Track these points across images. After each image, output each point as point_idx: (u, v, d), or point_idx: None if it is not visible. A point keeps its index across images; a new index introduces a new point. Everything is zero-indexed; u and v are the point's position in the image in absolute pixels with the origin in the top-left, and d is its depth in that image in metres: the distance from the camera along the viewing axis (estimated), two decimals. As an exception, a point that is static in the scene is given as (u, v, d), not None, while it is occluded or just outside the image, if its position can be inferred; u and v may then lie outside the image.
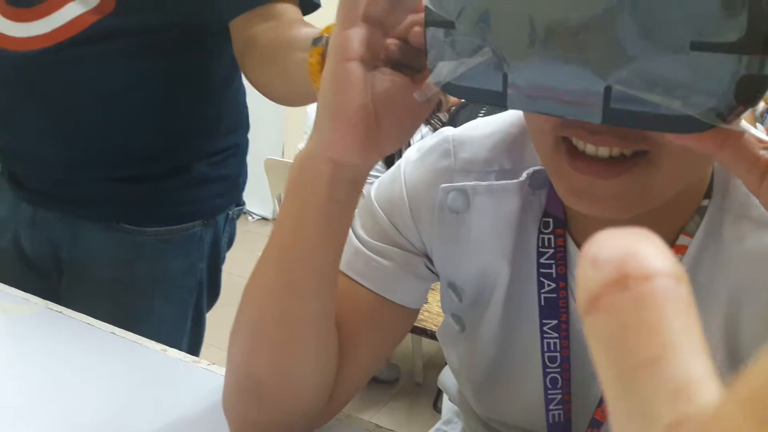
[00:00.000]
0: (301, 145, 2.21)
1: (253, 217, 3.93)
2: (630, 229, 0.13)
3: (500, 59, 0.35)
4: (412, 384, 2.17)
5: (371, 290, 0.55)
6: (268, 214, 3.85)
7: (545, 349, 0.54)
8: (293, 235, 0.46)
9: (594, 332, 0.12)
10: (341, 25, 0.40)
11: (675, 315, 0.12)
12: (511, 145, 0.54)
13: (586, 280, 0.12)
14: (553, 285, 0.53)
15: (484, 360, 0.58)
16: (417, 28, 0.41)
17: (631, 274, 0.12)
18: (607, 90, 0.32)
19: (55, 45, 0.77)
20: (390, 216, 0.56)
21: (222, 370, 0.66)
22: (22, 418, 0.57)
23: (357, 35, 0.40)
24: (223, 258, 0.98)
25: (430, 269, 0.58)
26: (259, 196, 3.36)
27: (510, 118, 0.56)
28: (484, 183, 0.53)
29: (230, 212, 0.96)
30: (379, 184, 0.58)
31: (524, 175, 0.52)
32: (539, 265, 0.53)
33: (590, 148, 0.39)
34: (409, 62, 0.43)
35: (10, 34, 0.79)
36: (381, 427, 0.59)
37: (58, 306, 0.76)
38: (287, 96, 0.75)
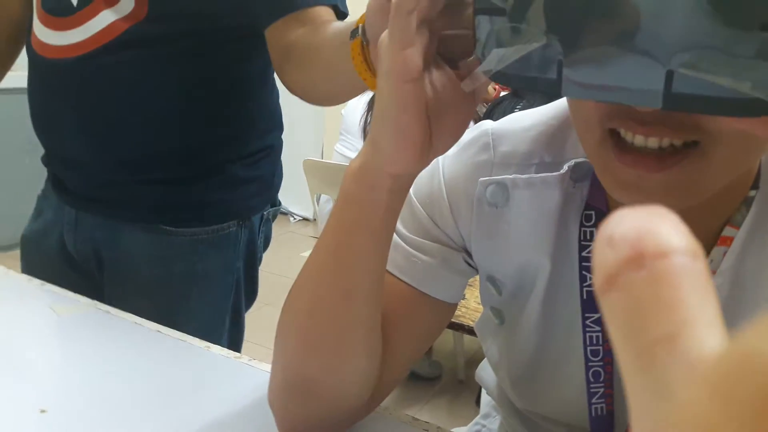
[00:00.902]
0: (338, 147, 2.20)
1: (295, 218, 3.98)
2: (645, 207, 0.13)
3: (555, 46, 0.34)
4: (455, 381, 2.16)
5: (410, 285, 0.56)
6: (309, 215, 3.90)
7: (588, 343, 0.53)
8: (348, 242, 0.47)
9: (611, 311, 0.12)
10: (398, 46, 0.39)
11: (691, 291, 0.12)
12: (552, 138, 0.53)
13: (602, 260, 0.12)
14: None
15: (524, 353, 0.58)
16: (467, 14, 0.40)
17: (647, 251, 0.12)
18: (669, 74, 0.31)
19: (91, 52, 0.80)
20: (429, 211, 0.56)
21: (263, 366, 0.68)
22: (73, 416, 0.59)
23: (415, 54, 0.40)
24: (260, 258, 0.99)
25: (468, 263, 0.58)
26: (299, 197, 3.40)
27: (550, 110, 0.55)
28: (523, 176, 0.53)
29: (265, 212, 0.97)
30: (417, 180, 0.58)
31: (565, 167, 0.51)
32: (581, 259, 0.52)
33: (639, 140, 0.38)
34: (451, 56, 0.43)
35: (50, 42, 0.82)
36: (417, 419, 0.60)
37: (106, 306, 0.79)
38: (330, 94, 0.76)
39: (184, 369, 0.67)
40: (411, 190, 0.58)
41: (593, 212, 0.51)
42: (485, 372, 0.72)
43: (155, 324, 0.75)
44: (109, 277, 0.93)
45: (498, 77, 0.38)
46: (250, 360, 0.69)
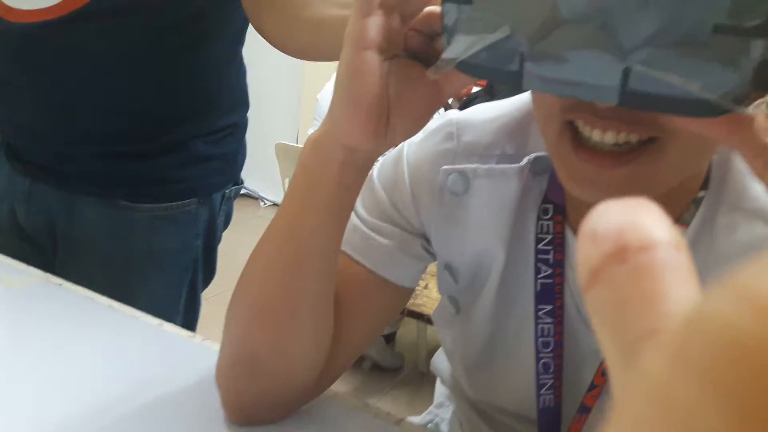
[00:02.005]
0: (311, 132, 2.23)
1: (265, 203, 3.95)
2: (628, 200, 0.13)
3: (518, 38, 0.35)
4: (416, 372, 2.17)
5: (367, 267, 0.56)
6: (279, 200, 3.87)
7: (539, 334, 0.54)
8: (300, 215, 0.48)
9: (595, 306, 0.12)
10: (358, 13, 0.40)
11: (675, 285, 0.12)
12: (515, 130, 0.54)
13: (586, 255, 0.12)
14: (550, 270, 0.53)
15: (477, 341, 0.58)
16: (433, 10, 0.41)
17: (630, 245, 0.12)
18: (626, 71, 0.32)
19: (59, 18, 0.77)
20: (391, 196, 0.57)
21: (216, 346, 0.67)
22: (20, 389, 0.57)
23: (374, 23, 0.40)
24: (219, 237, 0.98)
25: (426, 249, 0.58)
26: (271, 181, 3.38)
27: (514, 103, 0.56)
28: (484, 166, 0.53)
29: (227, 191, 0.96)
30: (381, 164, 0.59)
31: (525, 160, 0.52)
32: (537, 251, 0.53)
33: (596, 135, 0.39)
34: (425, 53, 0.43)
35: (10, 5, 0.80)
36: (368, 405, 0.59)
37: (59, 279, 0.77)
38: (307, 49, 0.75)
39: (135, 345, 0.66)
40: (374, 174, 0.59)
41: (551, 206, 0.52)
42: (440, 361, 0.72)
43: (108, 299, 0.74)
44: (63, 251, 0.91)
45: (462, 66, 0.39)
46: (203, 340, 0.68)
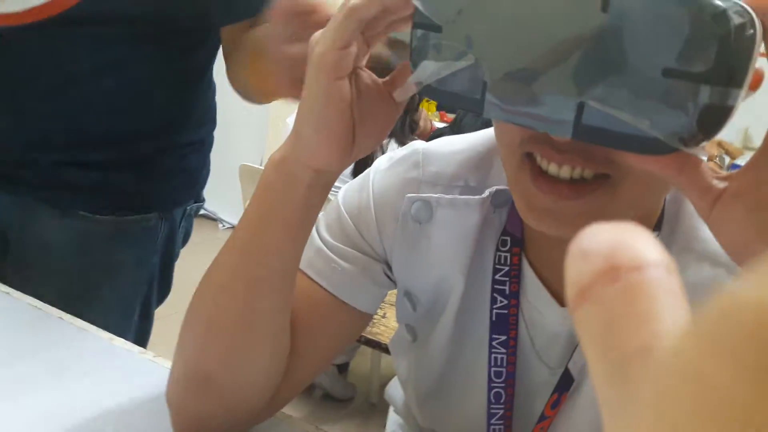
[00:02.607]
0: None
1: (224, 225, 3.90)
2: (618, 223, 0.13)
3: (481, 68, 0.37)
4: (367, 404, 2.15)
5: (328, 291, 0.56)
6: (239, 223, 3.82)
7: (492, 364, 0.55)
8: (261, 234, 0.48)
9: (584, 324, 0.12)
10: (336, 44, 0.40)
11: (665, 304, 0.12)
12: (478, 163, 0.56)
13: (576, 273, 0.12)
14: (506, 301, 0.54)
15: (432, 370, 0.59)
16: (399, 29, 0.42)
17: (622, 264, 0.12)
18: (580, 106, 0.34)
19: (30, 24, 0.76)
20: (356, 221, 0.57)
21: (168, 363, 0.65)
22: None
23: (351, 54, 0.41)
24: (177, 254, 0.97)
25: (388, 276, 0.59)
26: (232, 204, 3.34)
27: (479, 137, 0.57)
28: (447, 196, 0.55)
29: (188, 208, 0.95)
30: (346, 190, 0.60)
31: (487, 192, 0.54)
32: (494, 282, 0.54)
33: (553, 168, 0.41)
34: (379, 64, 0.45)
35: None
36: (321, 428, 0.59)
37: (6, 287, 0.75)
38: (260, 89, 0.76)
39: (84, 359, 0.64)
40: (340, 200, 0.59)
41: (509, 238, 0.54)
42: (395, 390, 0.72)
43: (58, 311, 0.72)
44: (13, 260, 0.88)
45: (427, 91, 0.40)
46: (155, 357, 0.67)
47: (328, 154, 0.44)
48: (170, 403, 0.53)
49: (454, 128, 2.09)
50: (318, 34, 0.42)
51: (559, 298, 0.53)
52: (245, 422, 0.54)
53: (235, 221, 4.07)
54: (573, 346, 0.53)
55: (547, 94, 0.35)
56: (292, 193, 0.46)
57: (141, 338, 0.94)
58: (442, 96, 0.39)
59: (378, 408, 2.13)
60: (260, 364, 0.51)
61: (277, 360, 0.52)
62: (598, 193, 0.41)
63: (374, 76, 0.45)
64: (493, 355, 0.55)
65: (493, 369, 0.55)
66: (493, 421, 0.56)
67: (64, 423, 0.54)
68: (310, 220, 0.48)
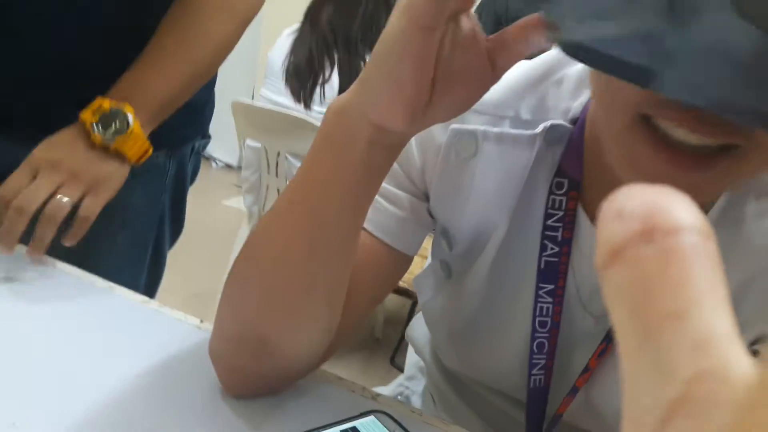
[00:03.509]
0: (263, 91, 2.09)
1: (218, 164, 3.83)
2: (656, 186, 0.12)
3: (660, 29, 0.28)
4: (372, 338, 2.16)
5: (375, 235, 0.52)
6: (233, 161, 3.75)
7: (537, 313, 0.52)
8: (322, 195, 0.42)
9: (615, 285, 0.12)
10: None
11: (701, 271, 0.11)
12: (528, 90, 0.50)
13: (610, 232, 0.12)
14: (557, 249, 0.50)
15: (467, 311, 0.55)
16: None
17: (658, 227, 0.12)
18: None
19: None
20: (399, 156, 0.52)
21: (173, 313, 0.62)
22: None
23: (448, 1, 0.34)
24: (186, 192, 0.93)
25: (431, 214, 0.55)
26: (225, 142, 3.26)
27: (532, 62, 0.51)
28: (495, 129, 0.49)
29: (196, 144, 0.90)
30: None
31: (540, 127, 0.48)
32: (545, 227, 0.50)
33: (680, 134, 0.35)
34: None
35: None
36: (342, 379, 0.56)
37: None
38: None
39: (83, 309, 0.61)
40: None
41: (566, 180, 0.49)
42: (417, 331, 0.69)
43: (52, 259, 0.67)
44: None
45: (573, 49, 0.31)
46: (160, 306, 0.63)
47: (394, 111, 0.37)
48: (218, 359, 0.50)
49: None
50: None
51: None
52: (295, 377, 0.52)
53: (229, 160, 4.02)
54: None
55: (734, 80, 0.27)
56: (351, 150, 0.40)
57: (154, 280, 0.92)
58: (598, 59, 0.30)
59: (383, 343, 2.14)
60: (319, 327, 0.48)
61: (335, 319, 0.49)
62: (722, 164, 0.36)
63: (478, 29, 0.37)
64: (539, 305, 0.51)
65: (538, 319, 0.52)
66: (534, 371, 0.53)
67: (61, 380, 0.50)
68: (374, 183, 0.43)
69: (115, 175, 0.69)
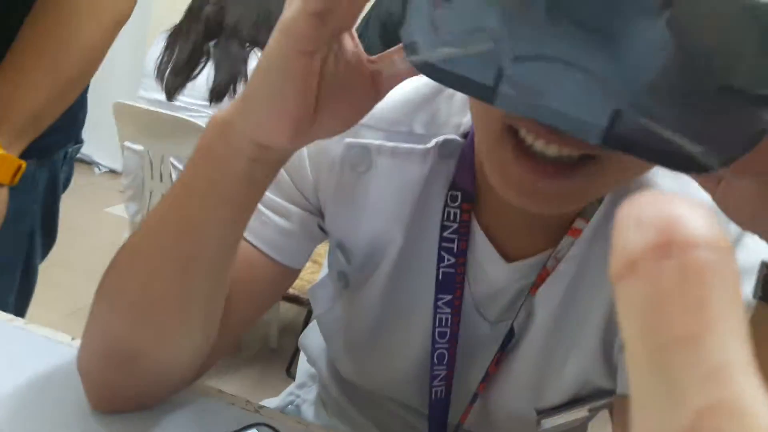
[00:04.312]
0: (141, 91, 2.01)
1: (100, 169, 3.62)
2: (674, 194, 0.12)
3: (499, 49, 0.30)
4: (267, 349, 2.12)
5: (257, 247, 0.51)
6: (117, 166, 3.56)
7: (437, 324, 0.52)
8: (199, 208, 0.41)
9: (628, 299, 0.12)
10: (309, 6, 0.33)
11: (719, 291, 0.11)
12: (421, 106, 0.51)
13: (626, 242, 0.12)
14: (453, 260, 0.51)
15: (365, 322, 0.56)
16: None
17: (677, 239, 0.11)
18: (617, 113, 0.29)
19: None
20: (288, 170, 0.51)
21: (42, 330, 0.58)
22: None
23: (327, 24, 0.33)
24: (59, 201, 0.88)
25: (322, 229, 0.54)
26: (108, 145, 3.09)
27: (422, 78, 0.51)
28: (389, 144, 0.50)
29: (69, 150, 0.85)
30: None
31: (433, 141, 0.49)
32: (441, 239, 0.50)
33: (539, 145, 0.36)
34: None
35: None
36: (223, 392, 0.55)
37: None
38: None
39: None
40: None
41: (459, 193, 0.50)
42: (310, 340, 0.69)
43: None
44: None
45: (425, 69, 0.33)
46: (27, 324, 0.59)
47: (277, 130, 0.37)
48: (85, 374, 0.48)
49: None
50: None
51: (505, 254, 0.50)
52: (168, 392, 0.50)
53: (112, 164, 3.80)
54: (518, 302, 0.52)
55: (576, 91, 0.29)
56: (231, 164, 0.39)
57: (24, 297, 0.86)
58: (445, 77, 0.32)
59: (279, 353, 2.11)
60: (193, 342, 0.46)
61: (210, 333, 0.47)
62: (582, 173, 0.37)
63: (359, 48, 0.38)
64: (438, 316, 0.52)
65: (437, 330, 0.52)
66: (435, 383, 0.54)
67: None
68: (252, 198, 0.42)
69: None
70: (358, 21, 0.38)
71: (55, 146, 0.82)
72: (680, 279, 0.11)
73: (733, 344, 0.11)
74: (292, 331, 2.13)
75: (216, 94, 1.70)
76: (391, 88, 0.40)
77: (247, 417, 0.52)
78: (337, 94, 0.37)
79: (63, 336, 0.57)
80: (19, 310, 0.85)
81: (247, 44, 1.74)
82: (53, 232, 0.88)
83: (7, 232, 0.78)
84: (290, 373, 1.98)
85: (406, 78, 0.39)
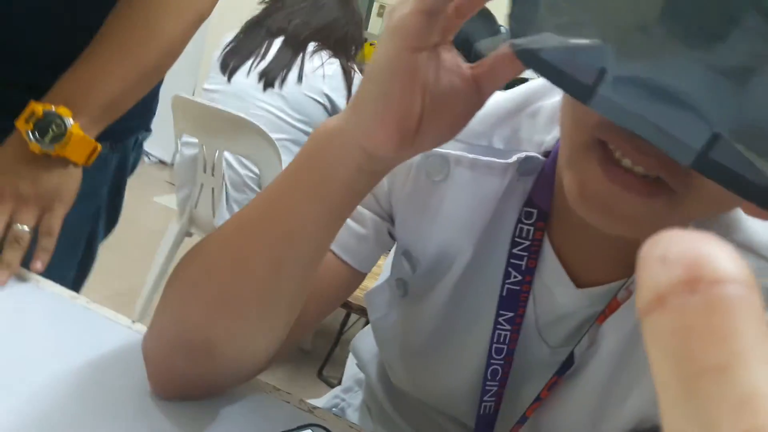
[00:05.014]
0: (208, 85, 2.04)
1: (150, 159, 3.70)
2: (698, 232, 0.12)
3: (604, 50, 0.29)
4: (298, 350, 2.12)
5: (331, 249, 0.51)
6: (167, 158, 3.64)
7: (495, 340, 0.51)
8: (298, 213, 0.42)
9: (656, 332, 0.12)
10: (420, 4, 0.34)
11: (746, 324, 0.11)
12: (503, 120, 0.50)
13: (653, 277, 0.12)
14: (520, 277, 0.50)
15: (423, 331, 0.55)
16: None
17: (703, 276, 0.12)
18: (714, 137, 0.28)
19: None
20: None
21: (103, 311, 0.58)
22: None
23: (437, 22, 0.34)
24: (125, 184, 0.89)
25: (391, 235, 0.54)
26: (161, 137, 3.15)
27: (507, 93, 0.52)
28: (469, 155, 0.49)
29: (139, 136, 0.88)
30: None
31: (515, 157, 0.48)
32: (511, 255, 0.50)
33: (627, 162, 0.36)
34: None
35: None
36: (279, 389, 0.54)
37: None
38: None
39: (8, 304, 0.56)
40: None
41: (535, 210, 0.49)
42: (363, 344, 0.68)
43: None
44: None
45: (525, 57, 0.33)
46: (89, 303, 0.60)
47: (385, 137, 0.37)
48: (151, 360, 0.48)
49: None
50: None
51: (576, 279, 0.49)
52: (234, 384, 0.51)
53: (163, 156, 3.89)
54: (582, 329, 0.51)
55: (677, 109, 0.28)
56: (335, 173, 0.40)
57: (83, 274, 0.87)
58: (543, 68, 0.32)
59: (310, 356, 2.11)
60: (272, 337, 0.47)
61: (288, 331, 0.48)
62: (666, 197, 0.36)
63: (459, 58, 0.38)
64: (497, 332, 0.51)
65: (495, 345, 0.52)
66: (486, 398, 0.53)
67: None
68: (351, 207, 0.42)
69: (66, 182, 0.66)
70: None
71: (128, 132, 0.84)
72: (708, 312, 0.11)
73: (763, 373, 0.11)
74: (327, 335, 2.13)
75: (267, 80, 1.73)
76: (492, 93, 0.39)
77: (300, 416, 0.51)
78: (440, 104, 0.38)
79: (123, 318, 0.58)
80: (77, 285, 0.87)
81: (305, 43, 1.76)
82: (116, 215, 0.90)
83: (75, 211, 0.80)
84: (322, 375, 1.98)
85: (506, 80, 0.39)
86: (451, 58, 0.38)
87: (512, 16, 0.33)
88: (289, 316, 0.46)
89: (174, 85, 3.09)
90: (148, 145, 3.99)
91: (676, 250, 0.12)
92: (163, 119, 2.19)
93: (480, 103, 0.39)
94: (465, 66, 0.39)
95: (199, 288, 0.45)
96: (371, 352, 0.66)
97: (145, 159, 3.69)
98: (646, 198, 0.36)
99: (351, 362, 0.77)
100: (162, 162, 3.71)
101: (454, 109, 0.39)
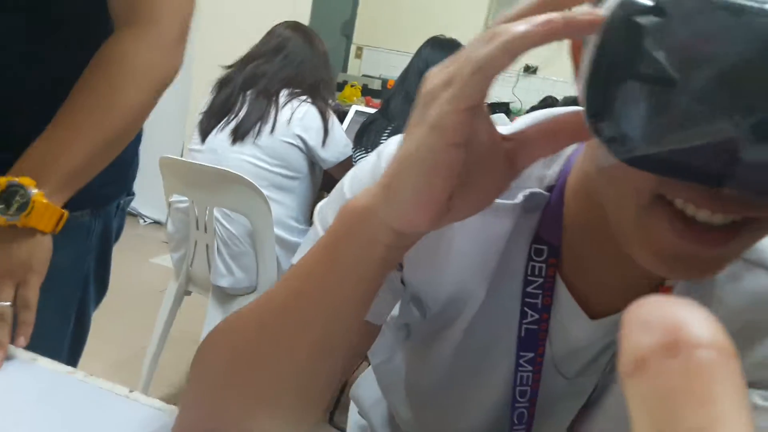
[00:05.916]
0: (191, 145, 2.06)
1: (145, 221, 3.72)
2: (677, 298, 0.13)
3: (737, 132, 0.28)
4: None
5: None
6: (161, 218, 3.65)
7: (518, 383, 0.51)
8: (338, 289, 0.41)
9: (637, 394, 0.12)
10: (461, 103, 0.33)
11: (725, 388, 0.12)
12: None
13: (635, 342, 0.13)
14: (536, 316, 0.49)
15: (435, 375, 0.54)
16: None
17: (683, 341, 0.12)
18: None
19: None
20: None
21: (100, 383, 0.59)
22: None
23: (475, 116, 0.34)
24: (111, 250, 0.90)
25: (402, 281, 0.53)
26: (153, 198, 3.18)
27: (502, 130, 0.52)
28: None
29: (121, 201, 0.89)
30: (354, 177, 0.52)
31: (520, 196, 0.48)
32: (525, 294, 0.49)
33: (703, 215, 0.35)
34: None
35: None
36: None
37: None
38: None
39: (5, 386, 0.56)
40: (346, 190, 0.52)
41: (545, 247, 0.48)
42: (364, 390, 0.68)
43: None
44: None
45: (640, 162, 0.30)
46: (86, 377, 0.60)
47: (419, 219, 0.37)
48: None
49: (385, 114, 2.04)
50: (440, 81, 0.34)
51: (588, 311, 0.49)
52: None
53: (156, 216, 3.88)
54: (600, 358, 0.50)
55: None
56: (373, 250, 0.39)
57: (77, 344, 0.87)
58: (669, 170, 0.31)
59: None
60: (309, 418, 0.46)
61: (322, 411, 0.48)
62: (743, 234, 0.36)
63: (493, 126, 0.37)
64: (519, 374, 0.50)
65: (518, 389, 0.51)
66: None
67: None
68: (385, 277, 0.42)
69: (36, 252, 0.66)
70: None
71: (107, 198, 0.85)
72: (687, 376, 0.12)
73: None
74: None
75: (238, 134, 1.75)
76: (528, 165, 0.39)
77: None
78: (476, 177, 0.37)
79: (121, 388, 0.58)
80: (72, 357, 0.87)
81: (277, 94, 1.80)
82: (106, 281, 0.91)
83: (62, 281, 0.80)
84: (333, 421, 1.96)
85: (543, 155, 0.39)
86: (487, 127, 0.37)
87: (607, 126, 0.31)
88: (327, 400, 0.46)
89: (162, 146, 3.13)
90: (141, 207, 4.02)
91: (657, 315, 0.13)
92: (154, 181, 2.22)
93: (514, 176, 0.39)
94: (500, 138, 0.38)
95: (235, 377, 0.44)
96: (372, 398, 0.66)
97: (140, 221, 3.70)
98: (725, 245, 0.36)
99: (353, 409, 0.77)
100: (156, 222, 3.73)
101: (489, 183, 0.38)
